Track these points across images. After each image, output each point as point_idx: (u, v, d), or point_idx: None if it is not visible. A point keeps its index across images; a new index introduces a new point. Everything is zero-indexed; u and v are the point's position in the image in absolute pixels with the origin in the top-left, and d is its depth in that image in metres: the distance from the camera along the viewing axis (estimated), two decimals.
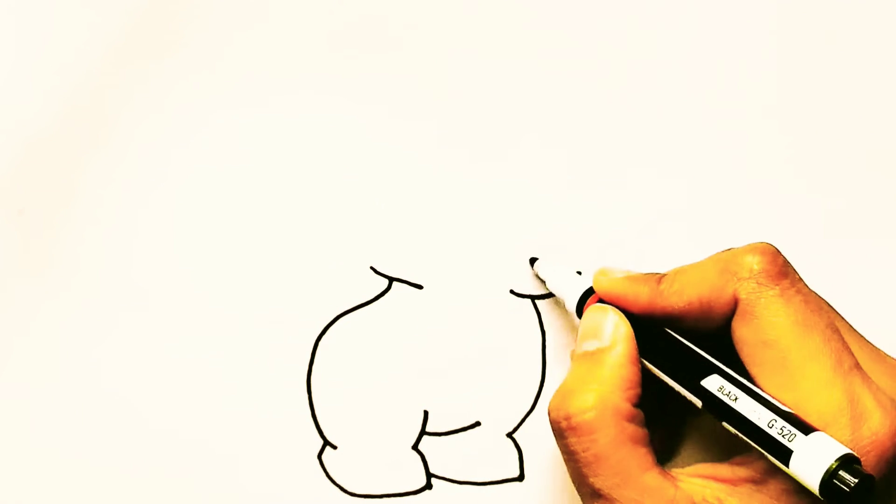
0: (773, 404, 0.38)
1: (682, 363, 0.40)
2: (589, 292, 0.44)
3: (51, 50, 0.49)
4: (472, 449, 0.47)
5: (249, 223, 0.48)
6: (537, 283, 0.47)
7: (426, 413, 0.47)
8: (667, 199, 0.48)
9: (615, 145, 0.48)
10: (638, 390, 0.40)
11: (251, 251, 0.48)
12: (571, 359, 0.42)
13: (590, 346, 0.41)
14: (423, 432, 0.47)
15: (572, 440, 0.39)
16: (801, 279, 0.40)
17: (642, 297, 0.42)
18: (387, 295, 0.48)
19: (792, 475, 0.36)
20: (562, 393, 0.40)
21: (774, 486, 0.38)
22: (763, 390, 0.38)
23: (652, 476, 0.39)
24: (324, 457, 0.47)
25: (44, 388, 0.47)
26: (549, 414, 0.40)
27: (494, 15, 0.49)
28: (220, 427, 0.47)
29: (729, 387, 0.39)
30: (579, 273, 0.46)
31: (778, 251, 0.40)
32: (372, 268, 0.48)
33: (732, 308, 0.40)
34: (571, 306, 0.44)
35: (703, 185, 0.48)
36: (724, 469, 0.40)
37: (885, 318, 0.46)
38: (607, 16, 0.49)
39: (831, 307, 0.41)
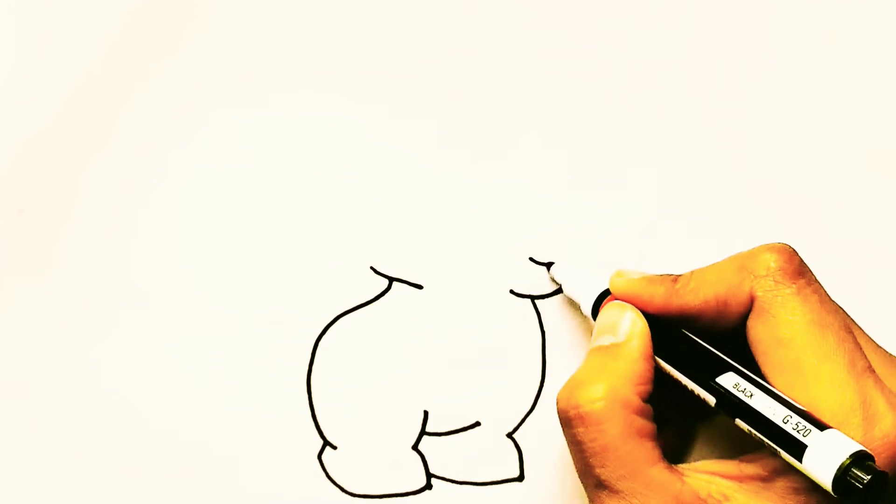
0: (787, 401, 0.38)
1: (697, 361, 0.41)
2: (604, 295, 0.44)
3: (51, 50, 0.49)
4: (472, 449, 0.47)
5: (249, 223, 0.48)
6: (537, 283, 0.47)
7: (426, 413, 0.47)
8: (667, 199, 0.48)
9: (615, 145, 0.48)
10: (649, 387, 0.40)
11: (251, 251, 0.48)
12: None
13: (604, 340, 0.42)
14: (423, 432, 0.47)
15: (580, 430, 0.39)
16: (817, 280, 0.40)
17: (658, 297, 0.42)
18: (387, 295, 0.48)
19: (804, 471, 0.37)
20: (572, 383, 0.40)
21: (782, 485, 0.38)
22: (777, 389, 0.39)
23: (658, 470, 0.39)
24: (324, 457, 0.47)
25: (44, 388, 0.47)
26: (557, 403, 0.40)
27: (494, 15, 0.49)
28: (220, 427, 0.47)
29: (744, 384, 0.39)
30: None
31: (795, 251, 0.40)
32: (372, 268, 0.48)
33: (748, 306, 0.40)
34: (587, 308, 0.45)
35: (703, 185, 0.48)
36: (730, 466, 0.40)
37: (886, 319, 0.46)
38: (607, 16, 0.49)
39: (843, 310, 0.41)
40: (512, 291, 0.47)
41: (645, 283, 0.42)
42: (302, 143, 0.48)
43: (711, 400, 0.39)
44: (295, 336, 0.47)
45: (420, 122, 0.48)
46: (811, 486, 0.38)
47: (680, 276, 0.42)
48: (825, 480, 0.36)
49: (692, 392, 0.41)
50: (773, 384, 0.39)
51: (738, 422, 0.39)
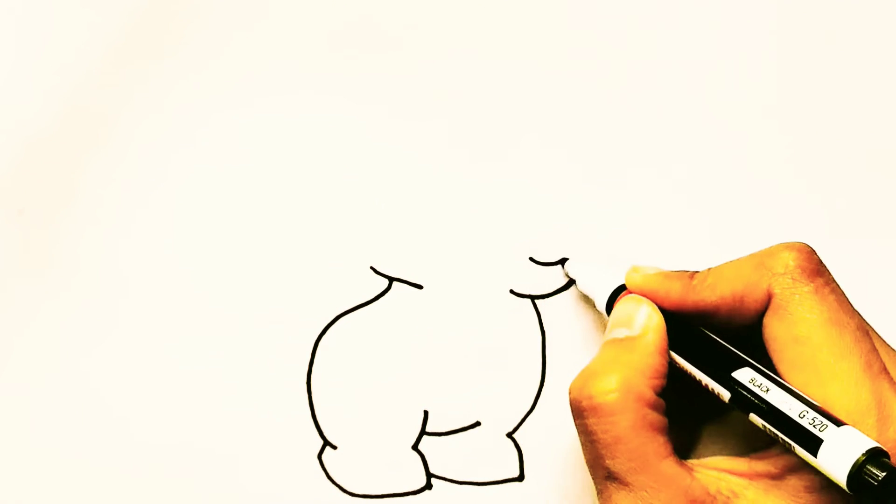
0: (804, 397, 0.38)
1: (713, 356, 0.41)
2: (619, 291, 0.44)
3: (51, 50, 0.49)
4: (472, 449, 0.47)
5: (249, 223, 0.48)
6: (537, 283, 0.47)
7: (426, 413, 0.47)
8: (667, 199, 0.48)
9: (615, 145, 0.48)
10: (663, 381, 0.40)
11: (251, 251, 0.48)
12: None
13: (619, 333, 0.42)
14: (423, 432, 0.47)
15: (592, 420, 0.39)
16: (834, 280, 0.40)
17: (674, 293, 0.42)
18: (387, 295, 0.48)
19: (818, 466, 0.36)
20: (585, 374, 0.40)
21: (794, 483, 0.38)
22: (792, 386, 0.39)
23: (669, 464, 0.39)
24: (324, 457, 0.47)
25: (44, 387, 0.47)
26: (569, 393, 0.40)
27: (494, 15, 0.49)
28: (220, 427, 0.47)
29: (761, 379, 0.39)
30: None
31: (813, 250, 0.40)
32: (372, 268, 0.48)
33: (765, 304, 0.40)
34: (602, 303, 0.44)
35: (703, 185, 0.48)
36: (740, 463, 0.40)
37: (886, 319, 0.46)
38: (607, 16, 0.49)
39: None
40: (512, 291, 0.47)
41: (661, 278, 0.42)
42: (302, 143, 0.48)
43: (726, 395, 0.39)
44: (295, 336, 0.47)
45: (420, 122, 0.48)
46: (823, 485, 0.38)
47: (696, 272, 0.42)
48: (840, 476, 0.36)
49: (706, 388, 0.40)
50: (789, 382, 0.39)
51: (753, 417, 0.39)
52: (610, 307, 0.44)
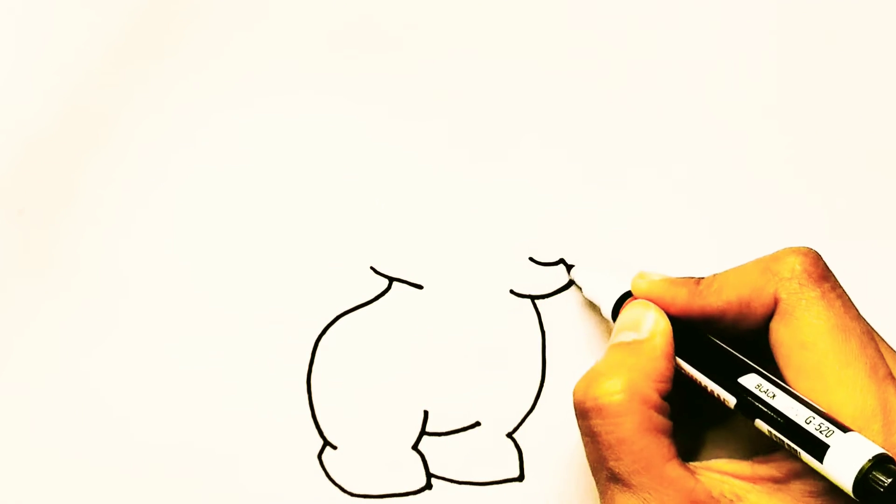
0: (809, 403, 0.38)
1: (719, 362, 0.41)
2: (625, 297, 0.44)
3: (51, 50, 0.49)
4: (472, 449, 0.47)
5: (249, 223, 0.48)
6: (537, 283, 0.47)
7: (426, 413, 0.47)
8: (667, 199, 0.48)
9: (615, 145, 0.48)
10: (668, 385, 0.40)
11: (251, 251, 0.48)
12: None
13: (626, 336, 0.42)
14: (423, 432, 0.47)
15: (596, 421, 0.39)
16: (840, 284, 0.40)
17: (680, 298, 0.42)
18: (387, 295, 0.48)
19: (823, 472, 0.36)
20: (590, 376, 0.40)
21: (798, 488, 0.38)
22: (798, 392, 0.39)
23: (672, 467, 0.39)
24: (324, 457, 0.47)
25: (44, 387, 0.47)
26: (574, 394, 0.40)
27: (494, 15, 0.49)
28: (220, 427, 0.47)
29: (766, 384, 0.39)
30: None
31: (819, 255, 0.40)
32: (372, 268, 0.48)
33: (772, 309, 0.40)
34: (608, 310, 0.44)
35: (703, 185, 0.48)
36: (744, 467, 0.40)
37: (886, 319, 0.46)
38: (607, 16, 0.49)
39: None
40: (512, 291, 0.47)
41: (667, 284, 0.42)
42: (302, 143, 0.48)
43: (731, 401, 0.39)
44: (295, 336, 0.47)
45: (420, 122, 0.48)
46: (827, 490, 0.38)
47: (702, 278, 0.42)
48: (846, 482, 0.36)
49: (711, 393, 0.40)
50: (794, 387, 0.39)
51: (759, 423, 0.39)
52: (616, 314, 0.44)
